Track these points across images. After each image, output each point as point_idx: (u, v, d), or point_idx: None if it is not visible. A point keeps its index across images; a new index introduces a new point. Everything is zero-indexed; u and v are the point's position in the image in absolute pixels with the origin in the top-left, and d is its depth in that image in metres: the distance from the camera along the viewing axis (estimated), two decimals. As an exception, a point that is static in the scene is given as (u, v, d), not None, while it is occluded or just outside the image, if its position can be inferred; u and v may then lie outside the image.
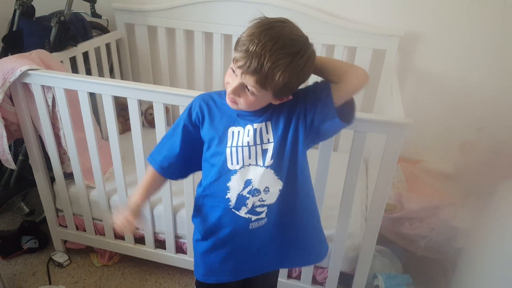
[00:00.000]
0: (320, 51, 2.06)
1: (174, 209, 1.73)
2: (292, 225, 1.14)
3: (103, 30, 2.30)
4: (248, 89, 0.96)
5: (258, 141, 1.05)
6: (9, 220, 2.26)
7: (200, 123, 1.11)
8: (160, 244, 1.87)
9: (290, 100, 1.04)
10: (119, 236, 1.90)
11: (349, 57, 2.08)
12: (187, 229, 1.73)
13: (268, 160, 1.04)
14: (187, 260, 1.81)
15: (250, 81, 0.94)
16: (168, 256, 1.84)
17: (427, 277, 1.83)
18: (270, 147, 1.04)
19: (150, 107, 2.37)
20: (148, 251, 1.86)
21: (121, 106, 2.35)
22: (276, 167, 1.05)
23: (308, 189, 1.15)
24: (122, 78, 2.42)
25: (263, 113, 1.06)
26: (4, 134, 1.64)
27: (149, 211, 1.76)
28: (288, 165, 1.06)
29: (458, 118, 2.06)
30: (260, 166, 1.05)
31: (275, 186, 1.07)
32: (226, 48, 2.22)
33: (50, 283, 1.90)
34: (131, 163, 1.67)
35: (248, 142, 1.04)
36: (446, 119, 2.09)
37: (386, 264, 1.79)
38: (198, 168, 1.17)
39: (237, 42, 0.96)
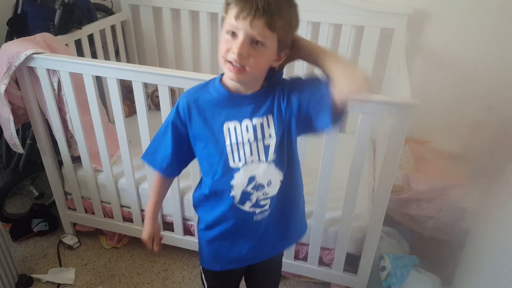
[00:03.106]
0: (327, 31, 2.03)
1: (181, 191, 1.74)
2: (290, 211, 1.16)
3: (108, 12, 2.28)
4: (256, 42, 0.90)
5: (260, 136, 1.01)
6: (19, 204, 2.29)
7: (189, 121, 1.06)
8: (168, 226, 1.88)
9: (288, 89, 1.00)
10: (127, 219, 1.92)
11: (357, 37, 2.04)
12: (195, 211, 1.74)
13: (271, 155, 1.02)
14: (195, 242, 1.83)
15: (258, 26, 0.88)
16: (176, 238, 1.86)
17: (434, 258, 1.83)
18: (272, 143, 1.01)
19: (157, 89, 2.35)
20: (156, 233, 1.88)
21: (127, 89, 2.34)
22: (277, 160, 1.04)
23: (299, 175, 1.16)
24: (128, 60, 2.41)
25: (261, 103, 1.01)
26: (11, 118, 1.65)
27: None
28: (287, 156, 1.06)
29: (468, 97, 2.03)
30: (263, 162, 1.03)
31: (277, 177, 1.06)
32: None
33: (60, 265, 1.94)
34: (138, 146, 1.68)
35: (248, 139, 1.01)
36: (455, 99, 2.06)
37: (393, 245, 1.79)
38: (193, 157, 1.15)
39: (226, 1, 0.92)
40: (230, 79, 0.97)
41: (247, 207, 1.08)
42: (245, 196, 1.06)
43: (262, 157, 1.02)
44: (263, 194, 1.06)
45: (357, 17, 1.96)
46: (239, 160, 1.03)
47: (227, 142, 1.02)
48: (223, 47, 0.93)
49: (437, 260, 1.82)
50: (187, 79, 1.42)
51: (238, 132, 1.01)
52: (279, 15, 0.89)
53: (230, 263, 1.21)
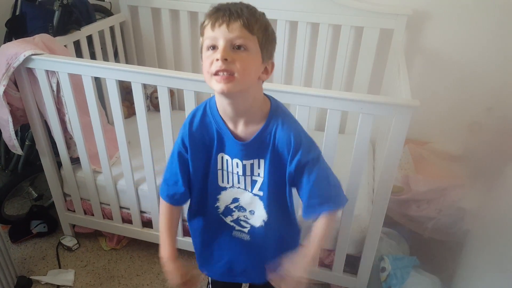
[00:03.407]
0: (326, 32, 2.03)
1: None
2: (272, 249, 1.15)
3: (107, 13, 2.28)
4: (238, 47, 0.87)
5: (248, 173, 1.04)
6: (18, 205, 2.28)
7: (189, 150, 1.06)
8: (167, 227, 1.88)
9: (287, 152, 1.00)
10: (126, 220, 1.92)
11: (356, 37, 2.04)
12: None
13: (256, 190, 1.06)
14: (195, 243, 1.83)
15: (236, 28, 0.86)
16: (176, 239, 1.85)
17: (434, 258, 1.83)
18: (260, 181, 1.04)
19: (156, 90, 2.35)
20: (155, 234, 1.88)
21: (126, 90, 2.34)
22: (263, 199, 1.06)
23: (292, 218, 1.16)
24: (127, 61, 2.40)
25: (254, 148, 1.00)
26: (10, 119, 1.65)
27: (156, 195, 1.76)
28: (277, 198, 1.07)
29: (467, 98, 2.03)
30: (249, 191, 1.06)
31: (261, 214, 1.09)
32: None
33: (59, 267, 1.93)
34: (137, 147, 1.67)
35: (237, 172, 1.04)
36: (454, 99, 2.06)
37: (393, 246, 1.79)
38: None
39: (200, 26, 0.92)
40: (220, 93, 0.91)
41: (228, 220, 1.13)
42: (228, 210, 1.11)
43: (248, 188, 1.06)
44: (244, 216, 1.11)
45: (356, 18, 1.96)
46: (227, 182, 1.07)
47: (219, 167, 1.06)
48: (206, 63, 0.89)
49: (437, 261, 1.81)
50: (187, 80, 1.42)
51: (229, 164, 1.04)
52: (253, 18, 0.89)
53: (212, 273, 1.27)
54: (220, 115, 1.00)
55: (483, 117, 1.99)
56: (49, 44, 1.69)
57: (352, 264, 1.68)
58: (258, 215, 1.09)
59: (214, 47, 0.88)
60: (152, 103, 2.41)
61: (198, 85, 1.41)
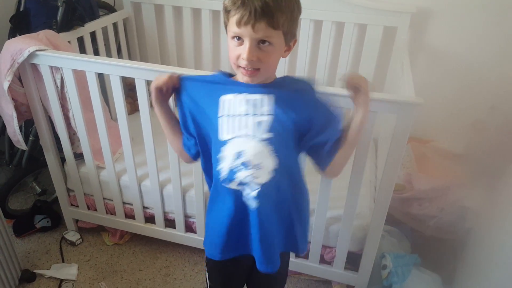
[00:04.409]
0: (330, 29, 2.03)
1: (183, 189, 1.75)
2: (287, 212, 1.11)
3: (110, 9, 2.28)
4: (263, 42, 0.92)
5: (255, 111, 0.99)
6: (22, 200, 2.29)
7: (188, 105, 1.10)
8: (170, 223, 1.89)
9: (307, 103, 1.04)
10: (129, 216, 1.93)
11: (360, 35, 2.04)
12: (196, 208, 1.74)
13: (264, 132, 0.99)
14: (197, 239, 1.84)
15: (261, 29, 0.90)
16: (178, 235, 1.87)
17: (435, 257, 1.83)
18: (268, 120, 0.99)
19: (159, 87, 2.35)
20: (158, 230, 1.89)
21: (129, 87, 2.34)
22: (271, 142, 0.99)
23: (301, 179, 1.14)
24: (129, 58, 2.41)
25: (263, 88, 1.02)
26: (15, 115, 1.65)
27: (159, 191, 1.77)
28: (286, 146, 1.03)
29: (470, 96, 2.03)
30: (255, 137, 0.99)
31: (269, 164, 1.00)
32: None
33: (63, 261, 1.95)
34: (140, 144, 1.68)
35: (242, 112, 1.00)
36: (457, 98, 2.06)
37: (395, 244, 1.79)
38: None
39: (225, 9, 0.94)
40: (245, 82, 0.99)
41: (233, 185, 1.03)
42: (231, 173, 1.02)
43: (255, 132, 0.99)
44: (251, 175, 1.00)
45: (360, 15, 1.96)
46: (229, 132, 1.01)
47: (219, 114, 1.02)
48: (233, 53, 0.95)
49: (438, 259, 1.82)
50: (190, 77, 1.42)
51: (231, 105, 1.01)
52: (279, 12, 0.90)
53: (224, 251, 1.14)
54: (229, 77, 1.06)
55: (486, 115, 1.98)
56: (53, 40, 1.70)
57: (353, 261, 1.68)
58: (266, 166, 1.00)
59: (239, 38, 0.93)
60: (155, 99, 2.41)
61: (201, 82, 1.42)
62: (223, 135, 1.01)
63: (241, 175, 1.01)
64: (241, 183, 1.02)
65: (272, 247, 1.10)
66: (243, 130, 0.99)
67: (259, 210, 1.04)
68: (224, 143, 1.01)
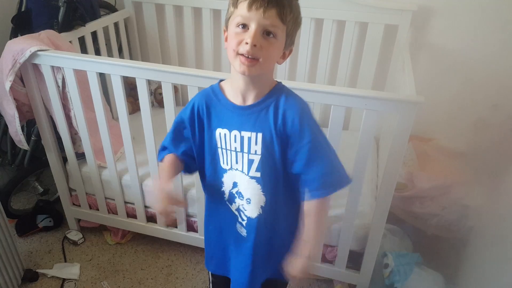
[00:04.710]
0: (330, 27, 2.02)
1: (184, 188, 1.75)
2: (268, 247, 1.14)
3: (111, 9, 2.28)
4: (268, 33, 0.90)
5: (246, 150, 1.01)
6: (24, 200, 2.30)
7: (206, 118, 1.06)
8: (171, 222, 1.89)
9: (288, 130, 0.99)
10: (131, 215, 1.93)
11: (361, 33, 2.04)
12: (198, 208, 1.75)
13: (253, 171, 1.02)
14: (198, 238, 1.84)
15: (271, 16, 0.88)
16: (180, 234, 1.87)
17: (437, 255, 1.83)
18: (256, 159, 1.01)
19: (160, 86, 2.36)
20: (160, 229, 1.89)
21: (130, 86, 2.35)
22: (260, 181, 1.03)
23: (293, 209, 1.12)
24: (131, 57, 2.41)
25: (253, 118, 1.00)
26: (17, 115, 1.66)
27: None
28: (275, 184, 1.05)
29: (472, 95, 2.02)
30: (245, 174, 1.03)
31: (257, 201, 1.06)
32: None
33: (65, 261, 1.95)
34: (142, 143, 1.68)
35: (235, 148, 1.02)
36: (459, 96, 2.05)
37: (396, 242, 1.79)
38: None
39: None
40: (241, 73, 0.93)
41: (233, 208, 1.12)
42: (231, 197, 1.10)
43: (245, 169, 1.03)
44: (242, 206, 1.09)
45: (361, 14, 1.96)
46: (226, 164, 1.06)
47: (218, 145, 1.05)
48: (234, 40, 0.91)
49: (440, 258, 1.81)
50: (190, 76, 1.42)
51: (227, 139, 1.02)
52: (289, 7, 0.91)
53: (219, 267, 1.25)
54: (222, 93, 1.03)
55: (488, 114, 1.98)
56: (55, 40, 1.70)
57: (355, 260, 1.68)
58: (254, 203, 1.06)
59: (244, 26, 0.90)
60: (156, 99, 2.42)
61: (201, 81, 1.42)
62: (223, 164, 1.06)
63: (238, 202, 1.09)
64: (237, 209, 1.11)
65: (255, 276, 1.16)
66: (238, 165, 1.04)
67: (248, 238, 1.12)
68: (224, 171, 1.07)
